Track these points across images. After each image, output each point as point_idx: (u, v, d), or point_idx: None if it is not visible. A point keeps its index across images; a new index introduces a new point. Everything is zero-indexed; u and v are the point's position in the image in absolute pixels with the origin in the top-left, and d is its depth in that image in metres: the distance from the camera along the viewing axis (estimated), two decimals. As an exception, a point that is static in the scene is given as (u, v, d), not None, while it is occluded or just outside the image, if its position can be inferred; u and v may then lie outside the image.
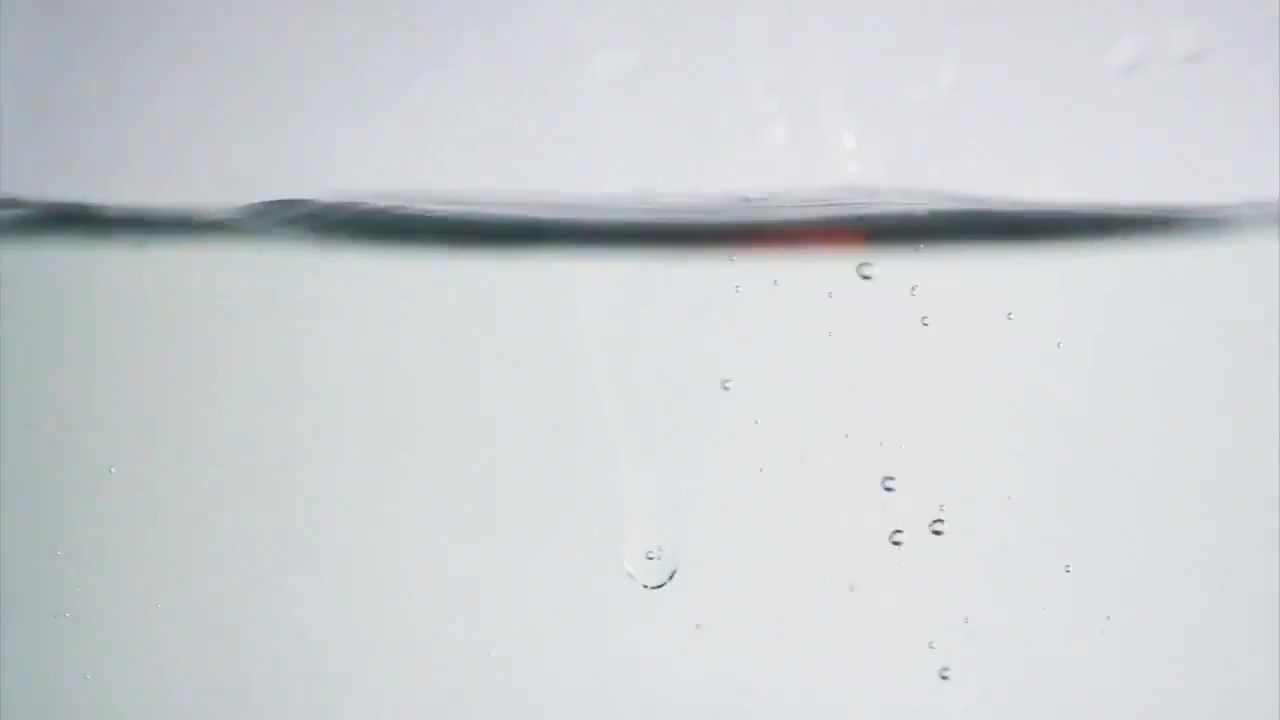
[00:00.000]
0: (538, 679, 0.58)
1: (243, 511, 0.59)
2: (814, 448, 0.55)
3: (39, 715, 0.60)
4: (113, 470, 0.59)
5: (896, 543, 0.56)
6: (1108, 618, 0.59)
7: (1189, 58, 0.55)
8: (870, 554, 0.57)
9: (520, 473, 0.57)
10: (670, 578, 0.46)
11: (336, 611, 0.59)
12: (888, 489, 0.57)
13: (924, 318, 0.54)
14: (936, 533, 0.56)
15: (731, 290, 0.53)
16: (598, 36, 0.56)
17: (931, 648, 0.57)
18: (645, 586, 0.47)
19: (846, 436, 0.55)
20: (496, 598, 0.58)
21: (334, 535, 0.59)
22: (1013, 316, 0.55)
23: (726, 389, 0.54)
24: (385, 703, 0.59)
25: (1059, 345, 0.56)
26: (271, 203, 0.54)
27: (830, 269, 0.54)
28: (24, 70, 0.57)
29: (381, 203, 0.54)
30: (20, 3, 0.56)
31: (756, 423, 0.54)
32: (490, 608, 0.58)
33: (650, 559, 0.50)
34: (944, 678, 0.57)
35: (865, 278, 0.53)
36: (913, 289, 0.54)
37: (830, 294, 0.54)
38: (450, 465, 0.58)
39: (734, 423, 0.54)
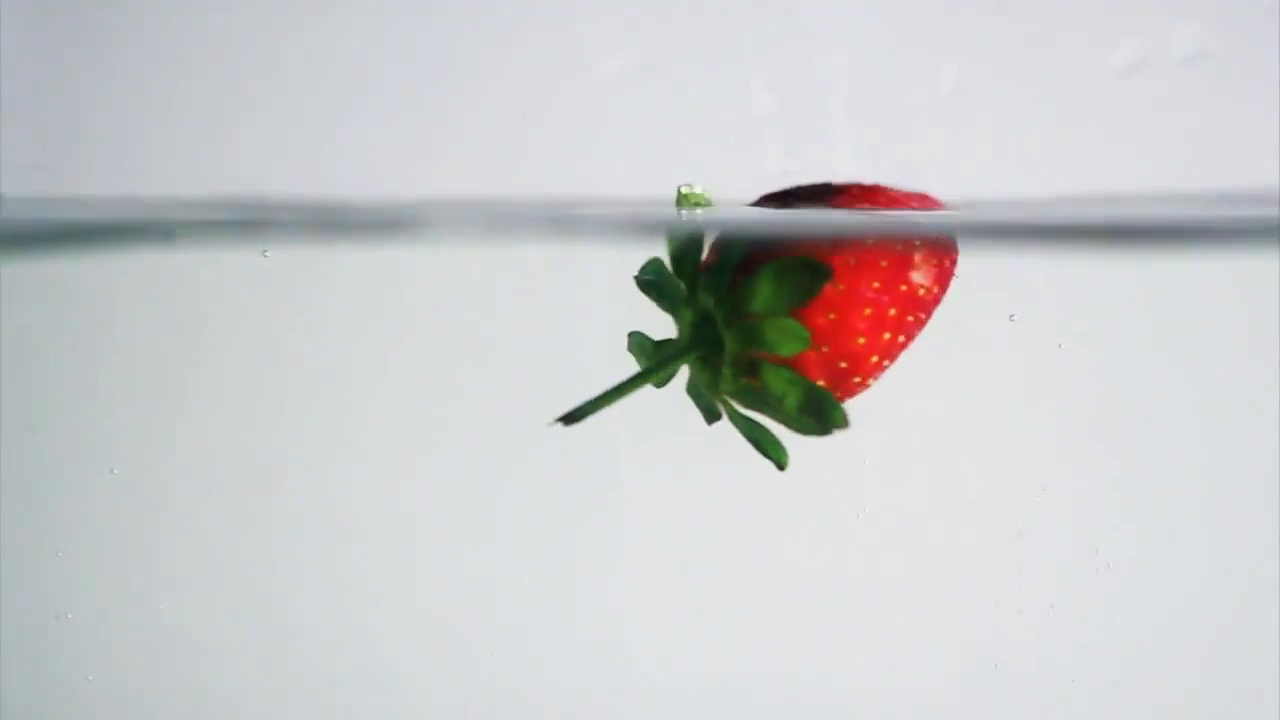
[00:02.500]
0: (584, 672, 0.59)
1: (244, 512, 0.59)
2: (814, 443, 0.55)
3: (39, 715, 0.60)
4: (114, 471, 0.59)
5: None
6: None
7: (1189, 59, 0.55)
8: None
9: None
10: None
11: (336, 613, 0.59)
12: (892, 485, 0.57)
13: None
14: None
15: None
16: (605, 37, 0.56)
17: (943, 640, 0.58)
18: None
19: (847, 432, 0.55)
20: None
21: (334, 536, 0.59)
22: (1014, 318, 0.55)
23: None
24: (388, 702, 0.59)
25: (1059, 346, 0.56)
26: (268, 205, 0.54)
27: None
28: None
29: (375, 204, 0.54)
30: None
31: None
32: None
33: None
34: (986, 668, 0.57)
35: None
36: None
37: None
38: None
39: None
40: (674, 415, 0.50)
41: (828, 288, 0.47)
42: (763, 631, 0.59)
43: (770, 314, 0.47)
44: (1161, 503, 0.59)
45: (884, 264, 0.47)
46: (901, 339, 0.48)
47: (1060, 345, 0.56)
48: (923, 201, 0.50)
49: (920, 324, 0.48)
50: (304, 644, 0.60)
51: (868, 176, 0.52)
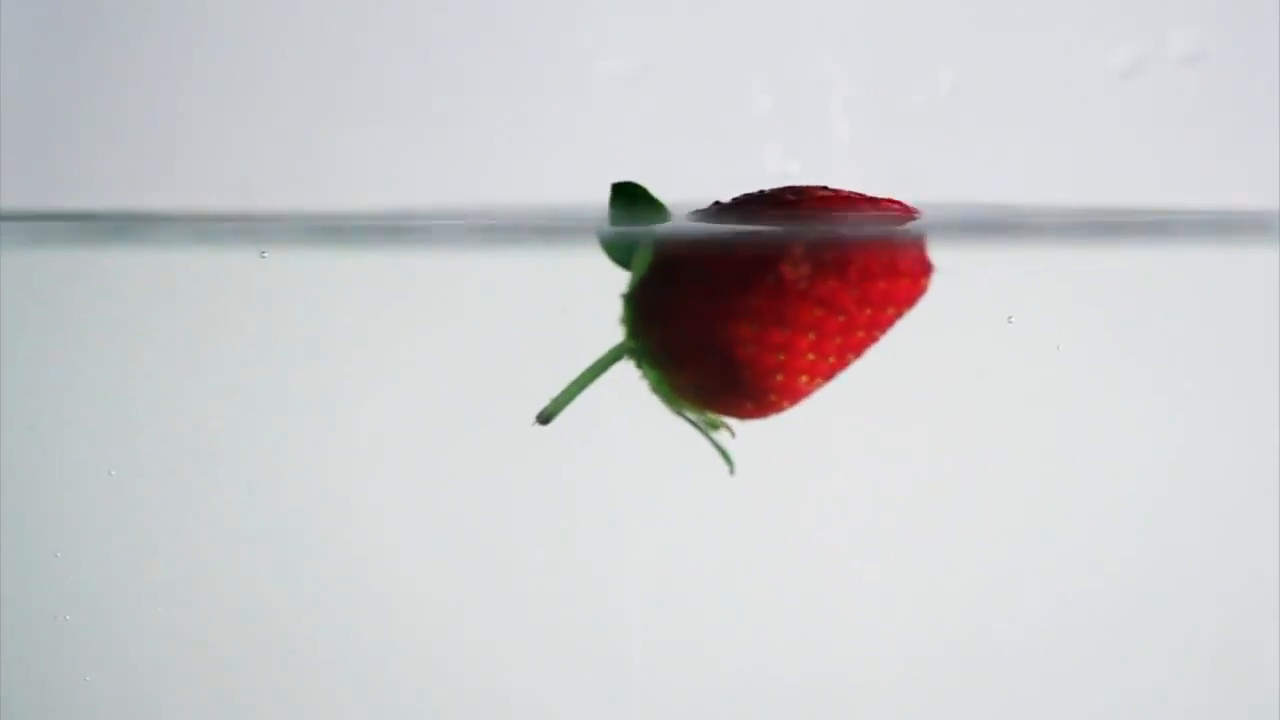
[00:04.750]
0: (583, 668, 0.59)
1: (243, 514, 0.59)
2: (816, 445, 0.55)
3: (39, 715, 0.61)
4: (113, 473, 0.59)
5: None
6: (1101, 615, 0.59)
7: (1187, 60, 0.55)
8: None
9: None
10: None
11: (337, 614, 0.59)
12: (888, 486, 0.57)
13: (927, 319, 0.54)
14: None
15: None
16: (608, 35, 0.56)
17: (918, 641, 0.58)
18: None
19: (849, 434, 0.55)
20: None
21: (333, 538, 0.59)
22: (1013, 320, 0.55)
23: None
24: (388, 703, 0.60)
25: (1058, 348, 0.56)
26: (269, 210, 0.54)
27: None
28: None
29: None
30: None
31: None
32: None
33: None
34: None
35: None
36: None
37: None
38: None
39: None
40: (673, 415, 0.50)
41: (775, 333, 0.47)
42: (759, 631, 0.59)
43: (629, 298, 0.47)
44: (1162, 504, 0.59)
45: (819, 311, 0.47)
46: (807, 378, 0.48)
47: (1059, 347, 0.56)
48: (890, 208, 0.50)
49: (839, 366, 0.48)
50: (304, 645, 0.60)
51: (866, 178, 0.52)
